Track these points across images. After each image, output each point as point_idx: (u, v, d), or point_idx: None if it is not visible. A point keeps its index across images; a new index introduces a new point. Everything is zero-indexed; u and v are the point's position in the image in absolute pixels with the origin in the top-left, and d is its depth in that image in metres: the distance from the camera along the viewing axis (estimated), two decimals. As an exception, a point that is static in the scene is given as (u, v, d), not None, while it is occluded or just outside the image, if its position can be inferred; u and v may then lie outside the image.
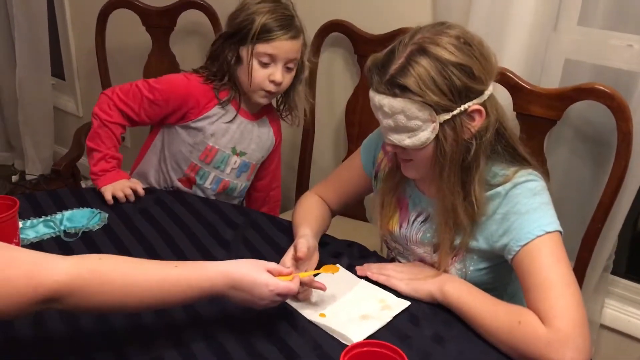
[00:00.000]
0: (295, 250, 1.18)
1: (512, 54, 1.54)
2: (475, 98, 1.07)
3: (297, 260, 1.18)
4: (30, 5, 2.68)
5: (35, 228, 1.36)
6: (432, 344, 1.06)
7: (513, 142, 1.15)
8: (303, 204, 1.40)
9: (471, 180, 1.11)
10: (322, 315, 1.13)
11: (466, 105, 1.07)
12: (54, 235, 1.35)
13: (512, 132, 1.16)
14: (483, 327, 1.07)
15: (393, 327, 1.10)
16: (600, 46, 1.51)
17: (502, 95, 1.47)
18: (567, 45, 1.56)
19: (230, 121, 1.60)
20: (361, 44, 1.87)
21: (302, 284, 1.11)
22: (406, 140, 1.10)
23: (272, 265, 1.07)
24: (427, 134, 1.08)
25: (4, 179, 3.11)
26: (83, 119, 2.93)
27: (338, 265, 1.23)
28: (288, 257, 1.18)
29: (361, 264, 1.27)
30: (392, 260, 1.34)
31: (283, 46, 1.49)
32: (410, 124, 1.07)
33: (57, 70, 2.96)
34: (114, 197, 1.48)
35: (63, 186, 1.98)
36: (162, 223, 1.42)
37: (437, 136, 1.08)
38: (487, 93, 1.09)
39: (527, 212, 1.09)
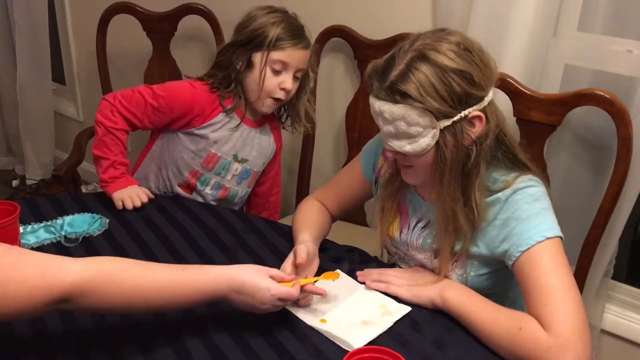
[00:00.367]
0: (295, 257, 1.18)
1: (512, 60, 1.54)
2: (475, 104, 1.07)
3: (297, 267, 1.18)
4: (31, 11, 2.69)
5: (36, 233, 1.36)
6: (432, 350, 1.06)
7: (513, 148, 1.15)
8: (303, 210, 1.40)
9: (471, 186, 1.11)
10: (323, 320, 1.12)
11: (466, 112, 1.07)
12: (54, 241, 1.35)
13: (512, 138, 1.16)
14: (483, 332, 1.07)
15: (394, 333, 1.10)
16: (600, 52, 1.51)
17: (502, 101, 1.47)
18: (567, 51, 1.56)
19: (234, 129, 1.60)
20: (361, 49, 1.87)
21: (302, 290, 1.11)
22: (406, 147, 1.10)
23: (274, 271, 1.09)
24: (427, 140, 1.08)
25: (5, 183, 3.11)
26: (84, 123, 2.93)
27: (338, 271, 1.23)
28: (288, 263, 1.18)
29: (362, 269, 1.27)
30: (392, 265, 1.34)
31: (296, 55, 1.52)
32: (410, 130, 1.08)
33: (58, 75, 2.96)
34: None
35: (63, 191, 1.98)
36: (162, 228, 1.42)
37: (437, 142, 1.08)
38: (487, 99, 1.09)
39: (528, 217, 1.09)
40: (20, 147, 3.06)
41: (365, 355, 0.89)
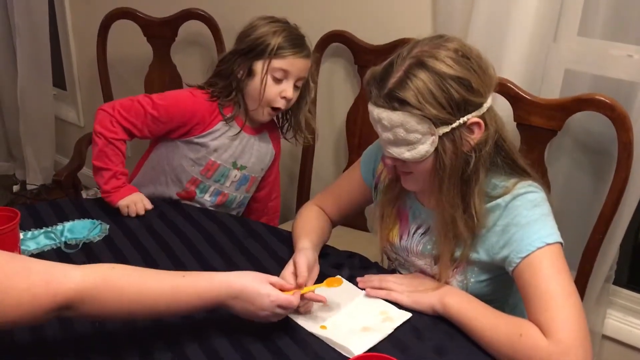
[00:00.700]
0: (295, 267, 1.17)
1: (512, 65, 1.54)
2: (474, 111, 1.07)
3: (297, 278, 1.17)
4: (32, 16, 2.69)
5: (36, 239, 1.36)
6: (433, 356, 1.06)
7: (512, 154, 1.15)
8: (303, 215, 1.40)
9: (471, 193, 1.11)
10: (323, 327, 1.12)
11: (465, 118, 1.07)
12: (54, 247, 1.35)
13: (511, 143, 1.16)
14: (484, 339, 1.07)
15: (394, 339, 1.10)
16: (600, 56, 1.51)
17: (503, 106, 1.47)
18: (567, 56, 1.56)
19: (233, 137, 1.60)
20: (362, 55, 1.87)
21: (302, 297, 1.11)
22: (405, 154, 1.10)
23: (274, 278, 1.09)
24: (426, 147, 1.08)
25: (5, 188, 3.11)
26: (84, 129, 2.94)
27: (339, 277, 1.23)
28: (288, 272, 1.17)
29: (362, 275, 1.26)
30: (393, 271, 1.34)
31: (297, 63, 1.53)
32: (409, 137, 1.08)
33: (59, 80, 2.97)
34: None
35: (64, 196, 1.98)
36: (162, 234, 1.42)
37: (436, 149, 1.08)
38: (485, 105, 1.09)
39: (528, 223, 1.09)
40: (20, 152, 3.06)
41: (366, 362, 0.89)
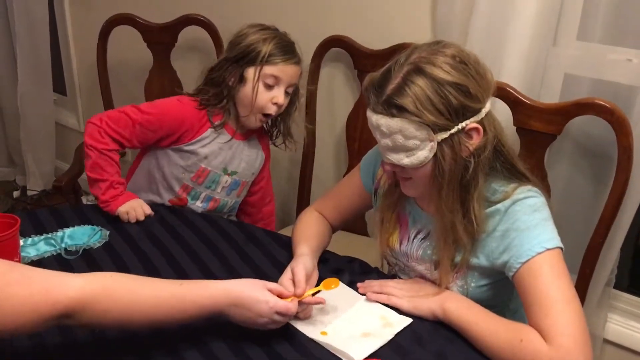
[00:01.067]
0: (293, 275, 1.16)
1: (511, 69, 1.54)
2: (472, 116, 1.07)
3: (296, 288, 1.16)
4: (32, 21, 2.70)
5: (36, 246, 1.36)
6: (433, 362, 1.06)
7: (512, 159, 1.15)
8: (303, 221, 1.40)
9: (470, 198, 1.11)
10: (324, 333, 1.12)
11: (464, 124, 1.07)
12: (54, 253, 1.34)
13: (510, 148, 1.16)
14: (485, 344, 1.06)
15: (395, 345, 1.10)
16: (600, 61, 1.51)
17: (502, 110, 1.47)
18: (567, 60, 1.57)
19: (223, 143, 1.61)
20: (361, 59, 1.87)
21: (301, 302, 1.11)
22: (404, 160, 1.10)
23: (272, 285, 1.09)
24: (425, 153, 1.08)
25: (6, 194, 3.11)
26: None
27: (336, 278, 1.23)
28: (286, 278, 1.17)
29: (362, 281, 1.26)
30: (393, 276, 1.34)
31: (288, 70, 1.54)
32: (408, 144, 1.08)
33: (59, 86, 2.97)
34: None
35: (64, 202, 1.98)
36: (162, 240, 1.42)
37: (435, 155, 1.08)
38: (484, 111, 1.09)
39: (527, 228, 1.09)
40: (21, 158, 3.06)
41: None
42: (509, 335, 1.04)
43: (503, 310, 1.20)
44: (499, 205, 1.12)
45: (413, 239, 1.25)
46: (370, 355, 1.06)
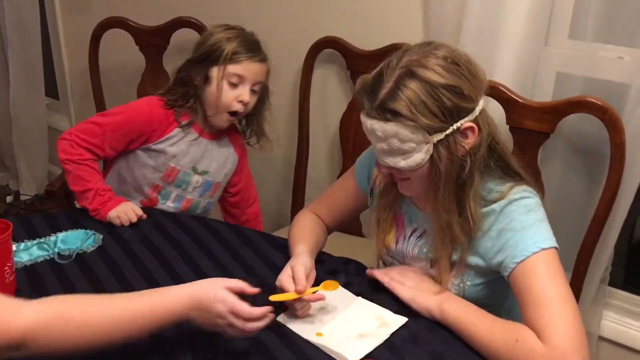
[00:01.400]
0: (293, 273, 1.16)
1: (503, 69, 1.54)
2: (466, 116, 1.07)
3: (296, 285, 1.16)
4: (24, 25, 2.69)
5: (29, 251, 1.35)
6: (429, 362, 1.06)
7: (505, 156, 1.15)
8: (299, 222, 1.40)
9: (466, 197, 1.11)
10: (319, 334, 1.12)
11: (458, 124, 1.07)
12: (47, 258, 1.34)
13: (504, 146, 1.16)
14: (481, 344, 1.06)
15: (391, 345, 1.10)
16: (591, 59, 1.51)
17: (495, 109, 1.47)
18: (558, 59, 1.57)
19: (191, 142, 1.62)
20: (354, 60, 1.87)
21: (301, 299, 1.11)
22: (401, 162, 1.10)
23: (233, 282, 1.03)
24: (421, 155, 1.08)
25: (-1, 199, 3.10)
26: (77, 138, 2.92)
27: (335, 280, 1.23)
28: (285, 276, 1.17)
29: (358, 281, 1.26)
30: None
31: (252, 68, 1.55)
32: (404, 147, 1.07)
33: (51, 89, 2.96)
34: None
35: (57, 206, 1.97)
36: (156, 243, 1.42)
37: (431, 156, 1.08)
38: (477, 109, 1.09)
39: (522, 228, 1.09)
40: (14, 163, 3.05)
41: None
42: (505, 335, 1.04)
43: (498, 309, 1.20)
44: (494, 205, 1.12)
45: (409, 238, 1.25)
46: (366, 356, 1.05)
